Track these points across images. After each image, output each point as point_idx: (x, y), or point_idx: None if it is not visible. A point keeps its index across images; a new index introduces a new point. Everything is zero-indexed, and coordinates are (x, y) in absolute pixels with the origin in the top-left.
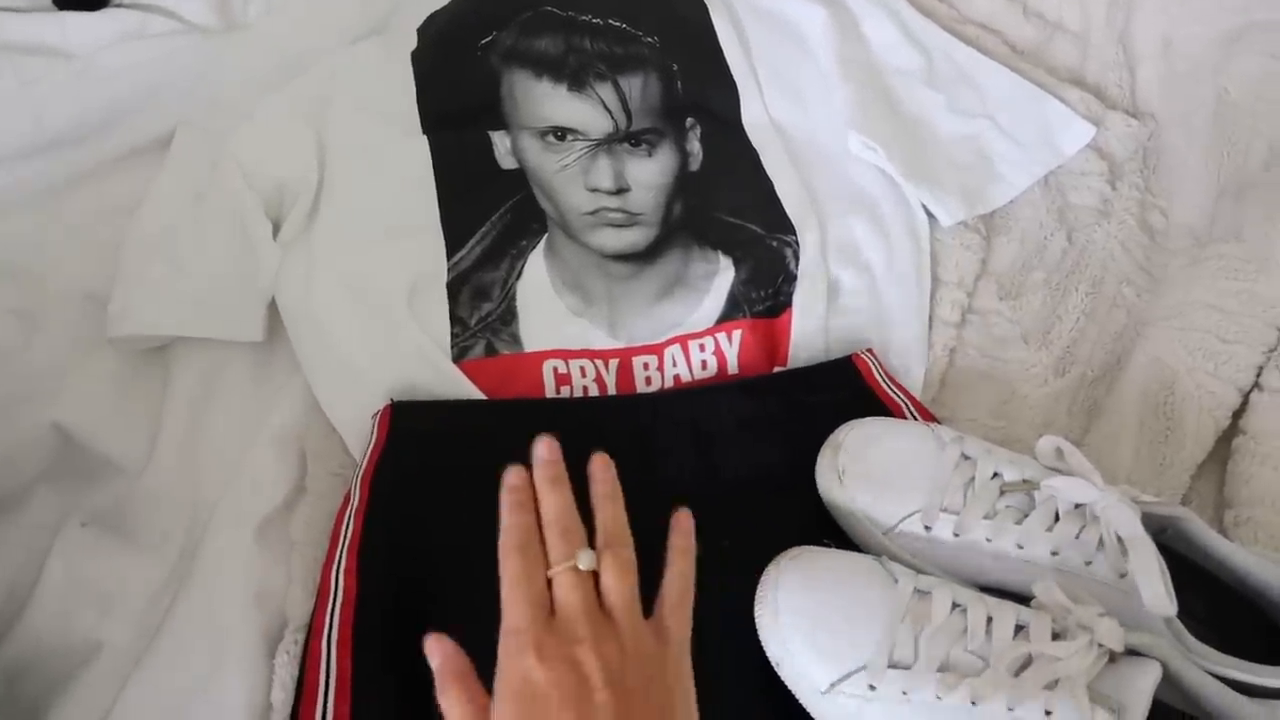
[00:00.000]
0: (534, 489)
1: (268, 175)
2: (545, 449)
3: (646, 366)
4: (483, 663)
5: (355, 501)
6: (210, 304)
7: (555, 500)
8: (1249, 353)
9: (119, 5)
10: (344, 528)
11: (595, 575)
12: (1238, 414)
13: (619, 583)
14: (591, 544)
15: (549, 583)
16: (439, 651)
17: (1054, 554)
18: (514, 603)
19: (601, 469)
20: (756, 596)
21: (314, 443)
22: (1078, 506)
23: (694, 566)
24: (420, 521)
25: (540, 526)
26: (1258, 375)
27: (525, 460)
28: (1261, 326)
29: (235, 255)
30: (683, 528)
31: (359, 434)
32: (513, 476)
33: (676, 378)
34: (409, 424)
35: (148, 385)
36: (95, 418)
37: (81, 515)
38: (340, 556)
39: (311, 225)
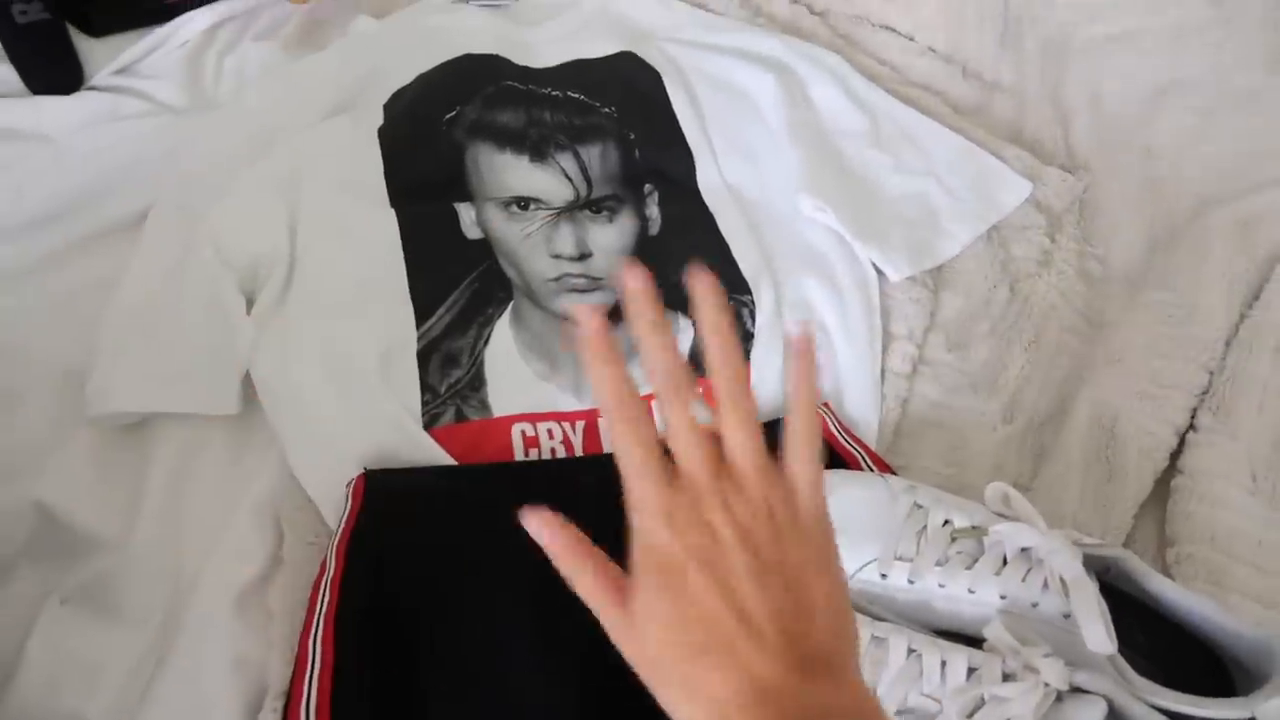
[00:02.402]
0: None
1: (242, 250)
2: (634, 278)
3: None
4: None
5: (331, 570)
6: (186, 379)
7: (658, 344)
8: (1183, 396)
9: (92, 88)
10: (320, 597)
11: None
12: (1175, 454)
13: (744, 437)
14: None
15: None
16: (548, 528)
17: (1003, 597)
18: (633, 474)
19: (705, 285)
20: None
21: (289, 513)
22: (1024, 550)
23: (816, 393)
24: (395, 588)
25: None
26: (1192, 417)
27: (498, 525)
28: (1194, 369)
29: (210, 330)
30: (799, 349)
31: (334, 503)
32: (592, 318)
33: None
34: (382, 492)
35: (127, 461)
36: (75, 495)
37: (62, 592)
38: (317, 625)
39: (285, 298)
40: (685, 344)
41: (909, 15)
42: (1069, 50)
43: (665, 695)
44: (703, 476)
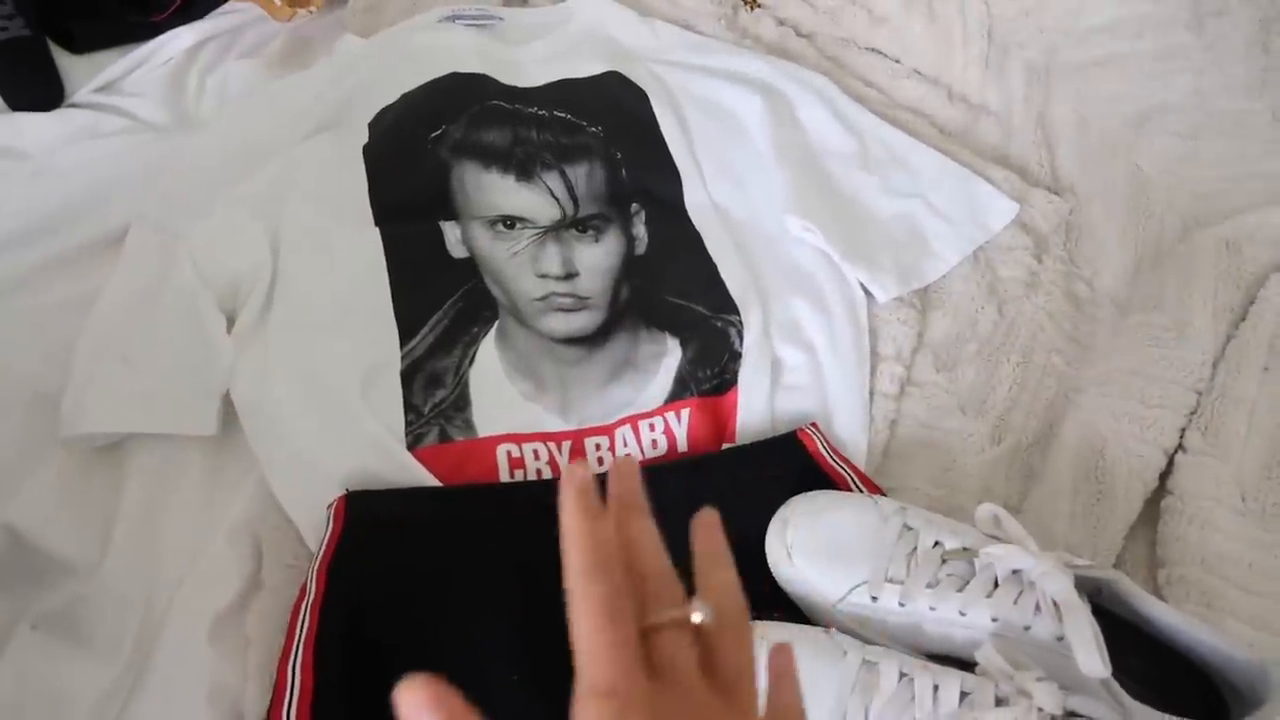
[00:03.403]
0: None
1: (222, 269)
2: (622, 467)
3: (599, 447)
4: None
5: (311, 594)
6: (164, 399)
7: (647, 531)
8: (1172, 416)
9: (73, 106)
10: (300, 621)
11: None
12: (1165, 475)
13: (740, 653)
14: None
15: (643, 636)
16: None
17: (994, 620)
18: (599, 656)
19: (708, 527)
20: None
21: (268, 535)
22: (1015, 573)
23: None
24: (378, 612)
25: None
26: (1181, 437)
27: (482, 548)
28: (1182, 390)
29: (189, 350)
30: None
31: (314, 525)
32: (577, 476)
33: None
34: (365, 514)
35: (100, 483)
36: (47, 518)
37: (32, 618)
38: (297, 650)
39: (265, 318)
40: (672, 364)
41: (895, 38)
42: (1054, 74)
43: None
44: (691, 682)
